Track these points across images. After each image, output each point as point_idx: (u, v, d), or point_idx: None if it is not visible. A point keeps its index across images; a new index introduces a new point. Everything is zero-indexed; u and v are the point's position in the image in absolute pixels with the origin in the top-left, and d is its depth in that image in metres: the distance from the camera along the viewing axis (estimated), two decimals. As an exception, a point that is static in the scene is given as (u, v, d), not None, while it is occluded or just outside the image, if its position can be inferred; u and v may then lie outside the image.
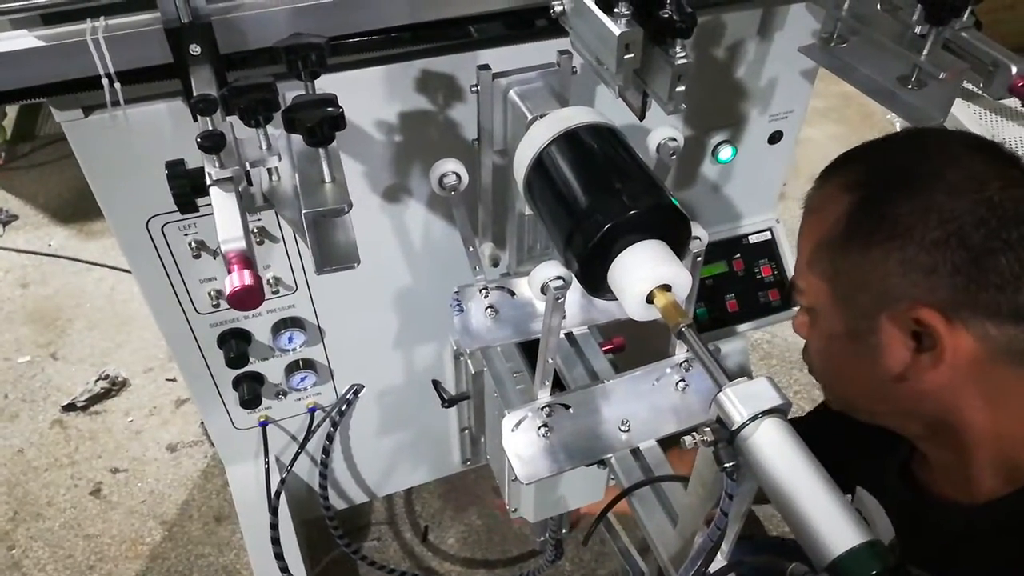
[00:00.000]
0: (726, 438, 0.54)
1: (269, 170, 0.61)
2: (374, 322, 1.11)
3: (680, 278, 0.63)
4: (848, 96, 2.50)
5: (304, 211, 0.54)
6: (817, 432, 0.97)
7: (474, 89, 0.80)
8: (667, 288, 0.63)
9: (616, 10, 0.48)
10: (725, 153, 1.14)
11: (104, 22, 0.69)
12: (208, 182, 0.56)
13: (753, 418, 0.53)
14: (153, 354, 1.85)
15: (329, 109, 0.52)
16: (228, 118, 0.60)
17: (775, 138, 1.17)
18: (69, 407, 1.73)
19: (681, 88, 0.50)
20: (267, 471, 1.16)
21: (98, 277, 2.03)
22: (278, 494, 1.15)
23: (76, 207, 2.21)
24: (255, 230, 0.92)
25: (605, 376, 0.86)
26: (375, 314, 1.10)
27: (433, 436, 1.32)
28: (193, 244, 0.91)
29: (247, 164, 0.58)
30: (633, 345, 1.08)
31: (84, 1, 0.70)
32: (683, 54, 0.49)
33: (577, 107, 0.75)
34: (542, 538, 1.24)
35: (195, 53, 0.67)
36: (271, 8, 0.72)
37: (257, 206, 0.61)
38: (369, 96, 0.86)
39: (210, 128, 0.57)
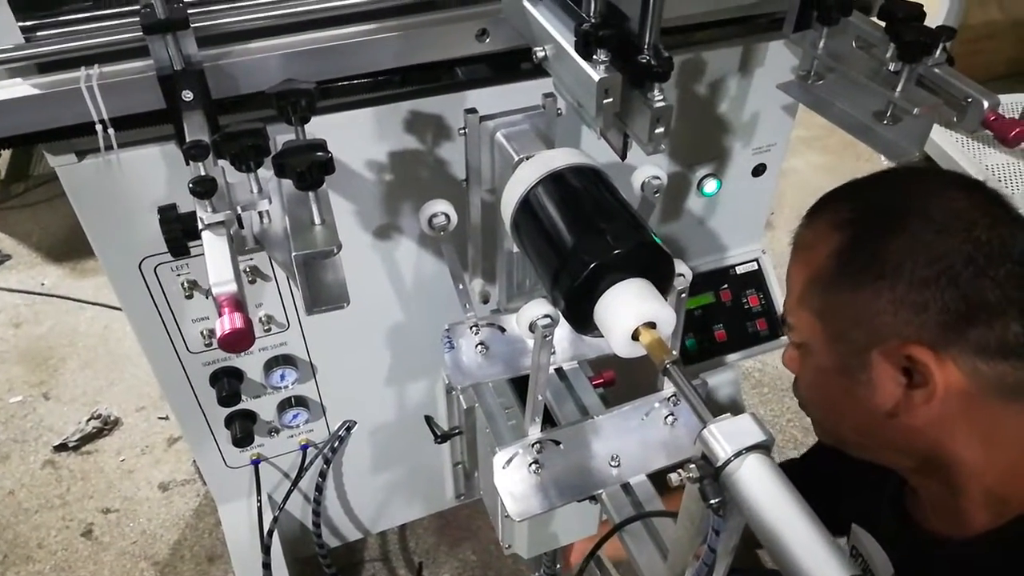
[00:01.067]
0: (711, 474, 0.55)
1: (260, 213, 0.62)
2: (366, 359, 1.12)
3: (664, 315, 0.64)
4: (831, 126, 2.54)
5: (294, 253, 0.56)
6: (812, 472, 0.97)
7: (462, 132, 0.82)
8: (652, 325, 0.64)
9: (595, 56, 0.50)
10: (710, 186, 1.15)
11: (98, 70, 0.71)
12: (200, 226, 0.57)
13: (737, 454, 0.54)
14: (145, 392, 1.84)
15: (318, 154, 0.54)
16: (220, 162, 0.62)
17: (759, 170, 1.19)
18: (61, 447, 1.73)
19: (660, 130, 0.52)
20: (259, 509, 1.16)
21: (91, 316, 2.03)
22: (271, 532, 1.15)
23: (69, 246, 2.22)
24: (247, 269, 0.93)
25: (595, 411, 0.87)
26: (367, 351, 1.11)
27: (426, 471, 1.32)
28: (186, 284, 0.92)
29: (238, 208, 0.60)
30: (624, 378, 1.09)
31: (78, 51, 0.71)
32: (661, 97, 0.51)
33: (562, 149, 0.77)
34: (536, 574, 1.23)
35: (187, 99, 0.69)
36: (262, 55, 0.74)
37: (248, 248, 0.62)
38: (359, 137, 0.88)
39: (202, 173, 0.58)
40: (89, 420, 1.76)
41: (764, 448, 0.55)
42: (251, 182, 0.60)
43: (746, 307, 1.24)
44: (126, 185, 0.82)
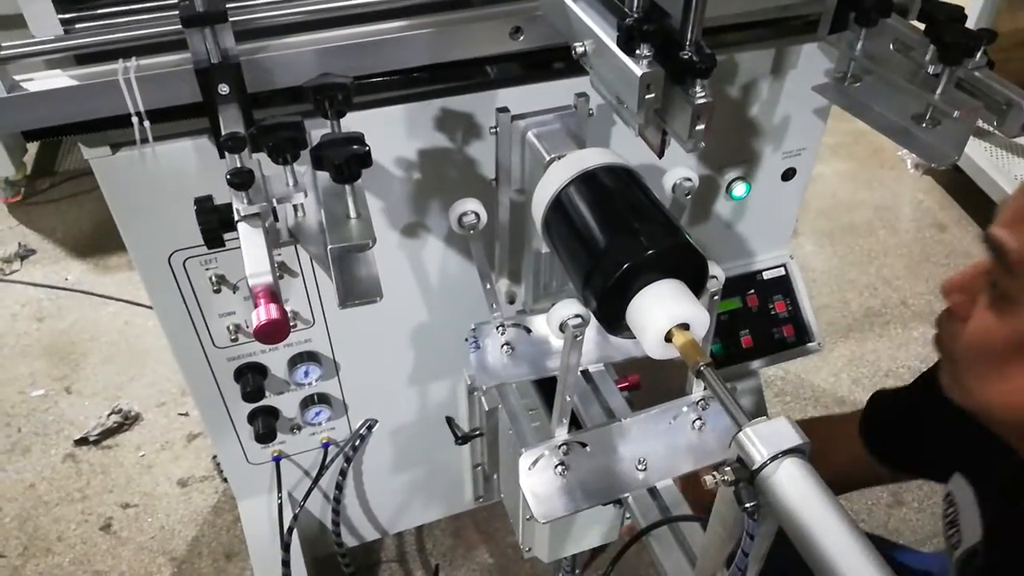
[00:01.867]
0: (746, 478, 0.54)
1: (295, 206, 0.62)
2: (389, 357, 1.11)
3: (698, 317, 0.63)
4: (858, 133, 2.52)
5: (330, 246, 0.55)
6: (920, 404, 0.85)
7: (493, 131, 0.82)
8: (685, 327, 0.63)
9: (637, 51, 0.49)
10: (739, 190, 1.15)
11: (136, 62, 0.71)
12: (236, 218, 0.57)
13: (773, 458, 0.53)
14: (166, 388, 1.85)
15: (356, 147, 0.54)
16: (255, 155, 0.62)
17: (788, 175, 1.18)
18: (81, 441, 1.74)
19: (701, 127, 0.51)
20: (280, 506, 1.16)
21: (113, 311, 2.04)
22: (291, 530, 1.15)
23: (93, 242, 2.24)
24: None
25: (621, 414, 0.86)
26: (391, 349, 1.11)
27: (445, 473, 1.32)
28: (214, 279, 0.92)
29: (274, 200, 0.60)
30: (649, 382, 1.08)
31: (116, 43, 0.71)
32: (703, 94, 0.50)
33: (595, 148, 0.76)
34: (557, 576, 1.22)
35: (223, 92, 0.69)
36: (296, 50, 0.74)
37: (283, 241, 0.62)
38: (389, 134, 0.88)
39: (239, 165, 0.58)
40: (110, 415, 1.77)
41: (801, 452, 0.54)
42: (287, 175, 0.60)
43: (773, 313, 1.23)
44: (159, 178, 0.82)
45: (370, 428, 1.18)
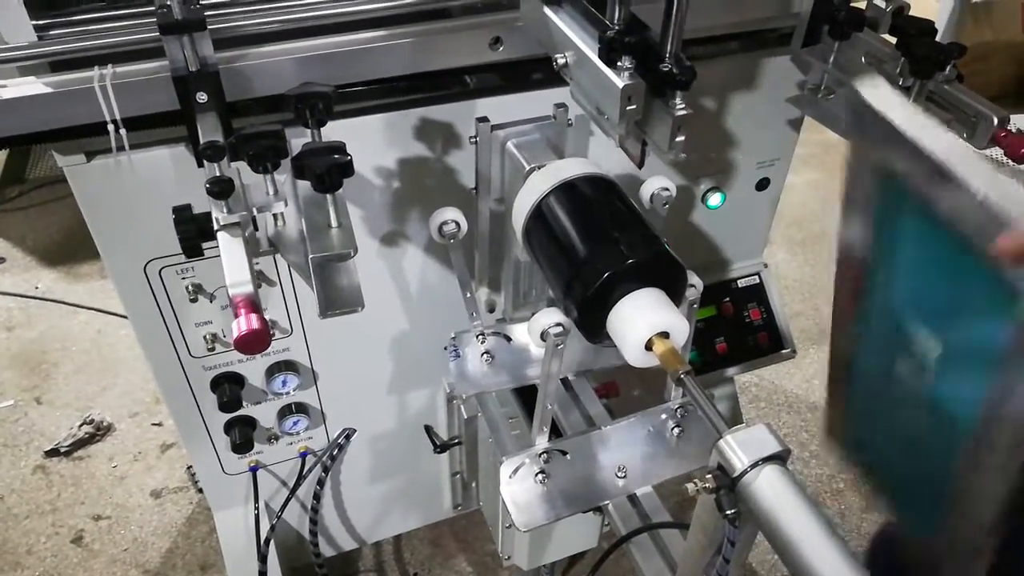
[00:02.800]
0: (727, 485, 0.55)
1: (275, 215, 0.62)
2: (368, 366, 1.11)
3: (678, 325, 0.64)
4: (828, 144, 2.56)
5: (311, 256, 0.55)
6: None
7: (473, 140, 0.82)
8: (665, 335, 0.64)
9: (619, 64, 0.50)
10: (714, 199, 1.16)
11: (111, 69, 0.70)
12: (216, 227, 0.56)
13: (754, 465, 0.54)
14: (139, 398, 1.82)
15: (338, 157, 0.54)
16: (234, 164, 0.61)
17: (762, 185, 1.20)
18: (52, 452, 1.70)
19: (681, 138, 0.52)
20: (257, 517, 1.14)
21: (84, 320, 2.01)
22: (267, 541, 1.14)
23: (64, 250, 2.20)
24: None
25: (601, 421, 0.87)
26: (369, 358, 1.10)
27: (424, 481, 1.31)
28: (190, 288, 0.91)
29: (254, 209, 0.59)
30: (627, 388, 1.09)
31: (91, 50, 0.71)
32: (682, 105, 0.51)
33: (575, 159, 0.77)
34: (535, 585, 1.22)
35: (201, 101, 0.69)
36: (275, 58, 0.74)
37: (262, 251, 0.62)
38: (368, 143, 0.88)
39: (218, 174, 0.58)
40: (81, 425, 1.74)
41: (780, 459, 0.55)
42: (267, 184, 0.60)
43: (748, 321, 1.25)
44: (135, 187, 0.81)
45: (348, 437, 1.17)
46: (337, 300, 0.59)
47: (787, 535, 0.52)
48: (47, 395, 1.84)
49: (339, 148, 0.54)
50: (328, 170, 0.53)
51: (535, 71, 0.88)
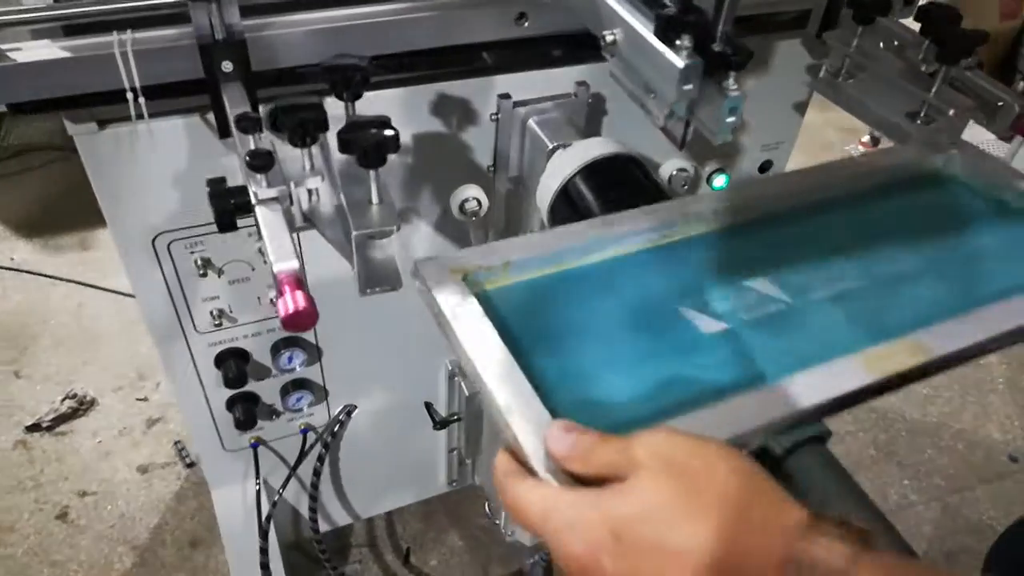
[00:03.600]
0: (770, 466, 0.55)
1: (310, 190, 0.61)
2: (373, 342, 1.10)
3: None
4: (812, 128, 2.59)
5: (355, 233, 0.54)
6: None
7: (494, 117, 0.81)
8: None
9: (677, 42, 0.50)
10: (719, 181, 1.16)
11: (132, 35, 0.68)
12: (254, 201, 0.55)
13: (795, 446, 0.54)
14: (123, 372, 1.79)
15: (386, 131, 0.53)
16: (269, 137, 0.60)
17: (765, 167, 1.20)
18: (33, 427, 1.67)
19: (732, 119, 0.52)
20: (258, 493, 1.13)
21: (64, 293, 1.97)
22: (269, 518, 1.13)
23: (40, 220, 2.14)
24: (260, 249, 0.91)
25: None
26: (374, 333, 1.09)
27: (421, 457, 1.31)
28: (199, 262, 0.89)
29: (291, 184, 0.58)
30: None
31: (110, 14, 0.68)
32: (736, 87, 0.51)
33: (599, 138, 0.77)
34: (532, 559, 1.24)
35: (227, 70, 0.67)
36: (300, 28, 0.72)
37: (298, 226, 0.60)
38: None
39: (253, 147, 0.56)
40: (63, 400, 1.71)
41: (820, 440, 0.56)
42: (304, 158, 0.59)
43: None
44: (147, 157, 0.79)
45: (349, 414, 1.17)
46: (376, 278, 0.58)
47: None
48: (26, 369, 1.80)
49: (386, 122, 0.53)
50: (376, 146, 0.52)
51: (555, 48, 0.87)
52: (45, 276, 1.99)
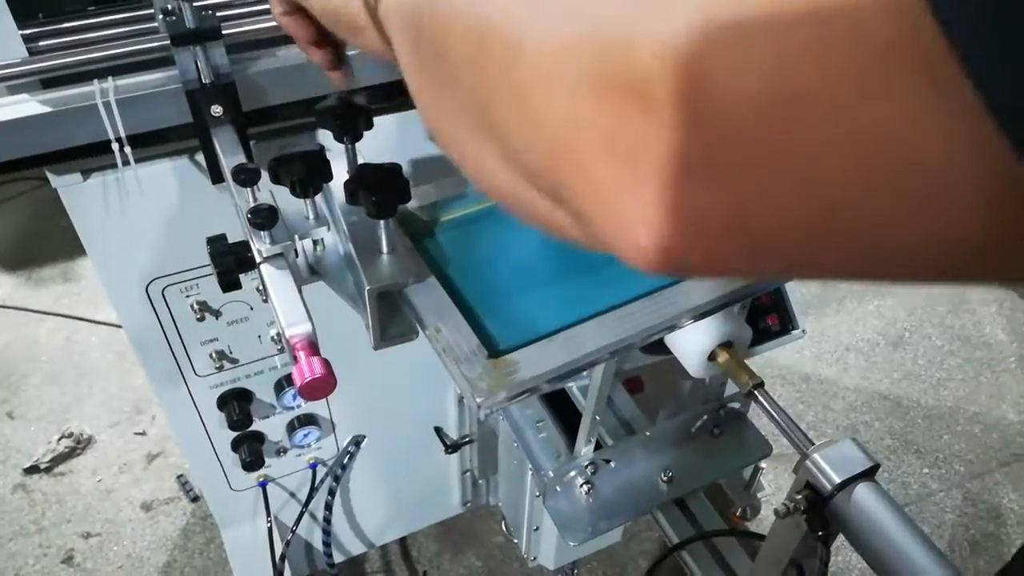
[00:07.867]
0: (817, 503, 0.53)
1: (314, 241, 0.57)
2: (377, 370, 1.07)
3: (741, 335, 0.62)
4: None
5: (368, 287, 0.51)
6: None
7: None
8: (728, 345, 0.61)
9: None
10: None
11: (113, 83, 0.64)
12: (258, 259, 0.52)
13: (845, 483, 0.52)
14: (118, 407, 1.75)
15: (397, 181, 0.49)
16: (267, 185, 0.56)
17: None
18: (31, 469, 1.63)
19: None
20: (270, 531, 1.10)
21: (51, 328, 1.92)
22: (283, 557, 1.10)
23: (23, 254, 2.09)
24: (259, 288, 0.88)
25: (639, 425, 0.84)
26: (378, 362, 1.06)
27: (433, 480, 1.29)
28: (195, 306, 0.86)
29: (295, 237, 0.55)
30: (650, 382, 1.07)
31: (89, 64, 0.65)
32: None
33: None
34: (556, 581, 1.21)
35: (216, 114, 0.63)
36: (292, 63, 0.69)
37: (304, 279, 0.57)
38: (381, 143, 0.83)
39: (256, 201, 0.53)
40: (60, 439, 1.67)
41: (870, 475, 0.53)
42: (308, 209, 0.56)
43: (757, 303, 1.23)
44: (134, 203, 0.76)
45: (358, 444, 1.14)
46: (391, 331, 0.55)
47: (885, 553, 0.50)
48: (19, 409, 1.76)
49: (395, 170, 0.50)
50: (388, 197, 0.49)
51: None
52: (31, 311, 1.94)
